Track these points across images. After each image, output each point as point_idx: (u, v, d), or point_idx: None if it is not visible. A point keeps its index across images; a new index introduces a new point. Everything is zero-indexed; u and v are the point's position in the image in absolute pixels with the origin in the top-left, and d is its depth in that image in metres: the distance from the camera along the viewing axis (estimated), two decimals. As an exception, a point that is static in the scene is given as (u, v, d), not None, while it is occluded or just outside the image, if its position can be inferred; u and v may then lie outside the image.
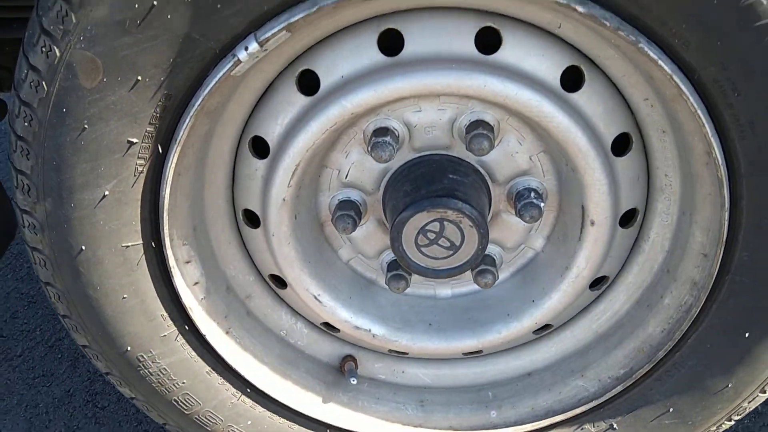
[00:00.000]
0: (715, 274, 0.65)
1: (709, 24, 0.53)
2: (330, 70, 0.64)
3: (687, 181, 0.66)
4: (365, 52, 0.63)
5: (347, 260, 0.78)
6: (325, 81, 0.64)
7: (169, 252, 0.67)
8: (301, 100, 0.65)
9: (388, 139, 0.65)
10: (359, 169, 0.70)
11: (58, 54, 0.56)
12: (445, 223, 0.65)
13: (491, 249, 0.73)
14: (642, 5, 0.53)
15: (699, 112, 0.57)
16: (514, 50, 0.62)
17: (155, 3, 0.53)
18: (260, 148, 0.70)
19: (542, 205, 0.68)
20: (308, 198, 0.71)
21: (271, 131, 0.67)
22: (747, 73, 0.55)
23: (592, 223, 0.68)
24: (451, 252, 0.67)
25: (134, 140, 0.60)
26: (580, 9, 0.54)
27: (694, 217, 0.67)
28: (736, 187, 0.61)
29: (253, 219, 0.74)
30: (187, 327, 0.73)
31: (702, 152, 0.61)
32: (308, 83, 0.65)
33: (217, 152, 0.68)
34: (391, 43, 0.63)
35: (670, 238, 0.71)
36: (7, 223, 0.92)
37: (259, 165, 0.69)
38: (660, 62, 0.55)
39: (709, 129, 0.58)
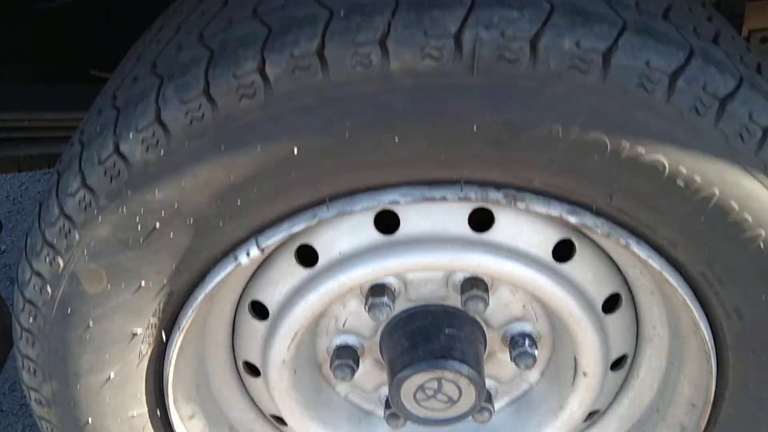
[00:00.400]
0: (704, 425, 0.68)
1: (698, 234, 0.55)
2: (328, 246, 0.65)
3: (675, 338, 0.69)
4: (362, 231, 0.64)
5: (345, 395, 0.80)
6: (324, 257, 0.65)
7: (174, 415, 0.68)
8: (300, 272, 0.67)
9: (385, 299, 0.67)
10: (356, 318, 0.71)
11: (61, 265, 0.57)
12: (443, 381, 0.68)
13: (487, 383, 0.76)
14: (635, 217, 0.55)
15: (686, 298, 0.59)
16: (506, 228, 0.63)
17: (157, 225, 0.53)
18: (260, 309, 0.70)
19: (536, 352, 0.70)
20: (306, 346, 0.73)
21: (271, 298, 0.69)
22: (731, 270, 0.57)
23: (585, 375, 0.70)
24: (449, 405, 0.69)
25: (138, 331, 0.61)
26: (572, 220, 0.55)
27: (682, 368, 0.70)
28: (722, 358, 0.63)
29: (253, 369, 0.75)
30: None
31: (690, 322, 0.64)
32: (306, 252, 0.66)
33: (218, 316, 0.70)
34: (388, 220, 0.64)
35: (659, 380, 0.74)
36: (7, 331, 0.93)
37: (259, 326, 0.70)
38: (649, 261, 0.57)
39: (696, 312, 0.60)
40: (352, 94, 0.52)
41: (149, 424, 0.69)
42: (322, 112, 0.52)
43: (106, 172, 0.56)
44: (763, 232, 0.56)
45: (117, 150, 0.56)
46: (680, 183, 0.54)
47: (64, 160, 0.63)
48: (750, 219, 0.55)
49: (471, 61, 0.49)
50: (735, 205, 0.55)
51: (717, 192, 0.54)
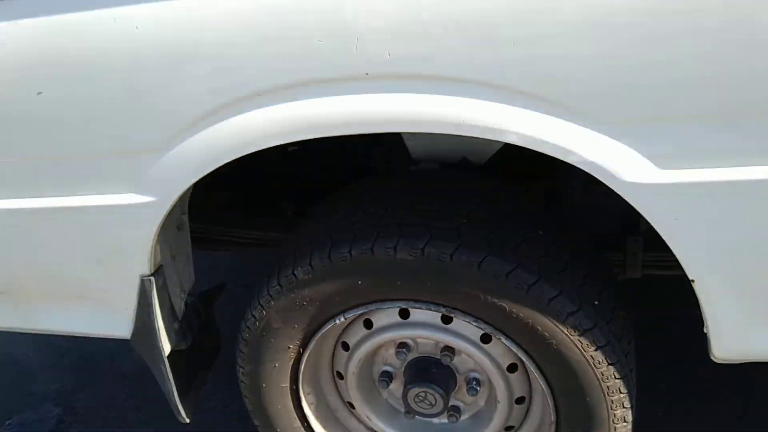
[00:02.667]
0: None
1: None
2: (377, 321, 1.35)
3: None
4: (392, 317, 1.33)
5: (385, 397, 1.49)
6: (376, 325, 1.35)
7: (301, 391, 1.44)
8: (364, 331, 1.37)
9: (404, 350, 1.36)
10: (392, 358, 1.41)
11: (264, 315, 1.33)
12: (427, 394, 1.37)
13: (456, 403, 1.44)
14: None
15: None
16: (458, 324, 1.32)
17: (305, 303, 1.29)
18: (345, 345, 1.42)
19: (479, 388, 1.37)
20: (367, 368, 1.45)
21: (350, 341, 1.38)
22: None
23: (498, 402, 1.37)
24: (431, 406, 1.38)
25: (290, 346, 1.37)
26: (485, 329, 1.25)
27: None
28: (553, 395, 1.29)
29: (340, 375, 1.46)
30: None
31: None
32: (368, 321, 1.39)
33: (326, 346, 1.43)
34: (405, 312, 1.35)
35: (542, 407, 1.38)
36: (215, 344, 1.69)
37: (345, 354, 1.41)
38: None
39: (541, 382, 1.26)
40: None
41: (289, 394, 1.44)
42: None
43: (287, 281, 1.32)
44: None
45: (293, 272, 1.31)
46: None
47: (275, 264, 1.39)
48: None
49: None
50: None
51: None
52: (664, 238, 1.02)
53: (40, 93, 1.09)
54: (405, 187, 1.34)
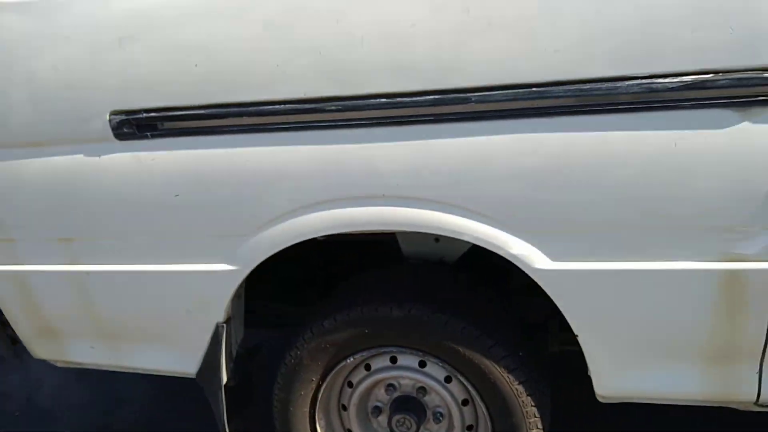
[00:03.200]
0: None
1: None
2: (372, 366, 1.97)
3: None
4: (385, 362, 1.95)
5: (376, 426, 2.06)
6: (373, 368, 1.97)
7: (316, 416, 2.01)
8: (364, 373, 1.97)
9: (392, 389, 1.96)
10: (382, 395, 2.00)
11: (294, 360, 1.94)
12: (405, 420, 1.95)
13: (425, 429, 2.01)
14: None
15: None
16: (430, 369, 1.93)
17: (303, 356, 1.90)
18: (350, 384, 2.02)
19: (442, 419, 1.96)
20: (364, 402, 2.02)
21: (354, 380, 1.99)
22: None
23: (453, 428, 1.96)
24: (409, 428, 1.96)
25: (313, 379, 1.96)
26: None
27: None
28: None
29: (344, 407, 2.05)
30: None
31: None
32: (368, 365, 1.99)
33: (336, 383, 2.03)
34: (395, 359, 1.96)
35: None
36: (249, 383, 2.28)
37: (348, 390, 2.01)
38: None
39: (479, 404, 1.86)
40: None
41: (307, 418, 2.01)
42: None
43: (318, 329, 1.93)
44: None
45: (322, 323, 1.91)
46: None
47: (308, 320, 1.99)
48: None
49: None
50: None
51: None
52: (557, 305, 1.66)
53: (177, 195, 1.75)
54: (397, 274, 1.99)
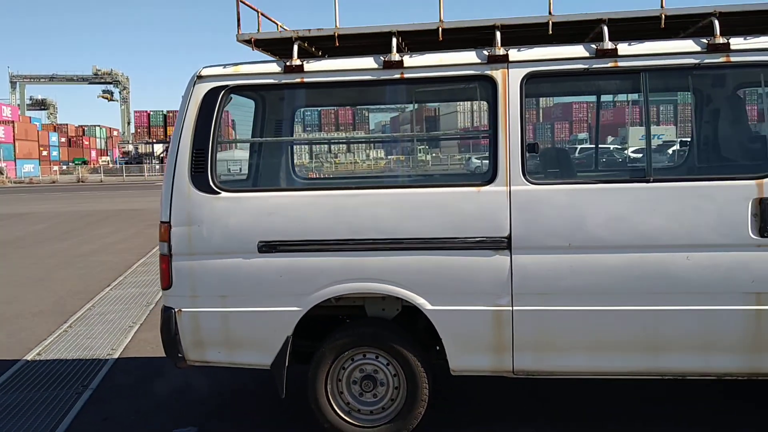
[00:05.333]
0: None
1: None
2: None
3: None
4: None
5: (353, 391, 4.42)
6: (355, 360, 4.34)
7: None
8: (352, 364, 4.35)
9: (362, 371, 4.33)
10: (357, 375, 4.37)
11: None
12: (368, 384, 4.30)
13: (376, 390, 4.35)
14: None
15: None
16: None
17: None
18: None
19: (383, 386, 4.31)
20: (349, 377, 4.38)
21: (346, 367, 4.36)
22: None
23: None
24: (369, 390, 4.30)
25: None
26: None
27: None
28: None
29: None
30: None
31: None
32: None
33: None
34: None
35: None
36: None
37: (343, 372, 4.37)
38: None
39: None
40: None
41: (323, 384, 4.33)
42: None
43: (330, 346, 4.30)
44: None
45: (326, 347, 4.30)
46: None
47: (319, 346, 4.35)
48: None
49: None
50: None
51: None
52: (435, 326, 4.12)
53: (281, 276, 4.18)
54: (366, 320, 4.42)
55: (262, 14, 4.53)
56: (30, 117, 77.42)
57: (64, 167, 72.77)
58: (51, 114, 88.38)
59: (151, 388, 5.43)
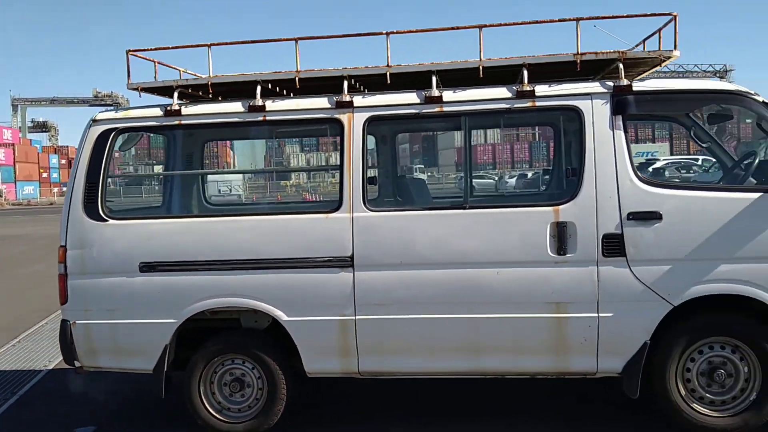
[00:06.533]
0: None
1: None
2: None
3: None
4: None
5: (224, 392, 5.06)
6: (233, 364, 4.98)
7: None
8: (226, 366, 4.99)
9: (231, 375, 4.98)
10: (228, 378, 5.01)
11: None
12: (236, 386, 4.94)
13: (244, 390, 4.99)
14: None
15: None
16: None
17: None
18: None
19: (250, 387, 4.96)
20: (220, 380, 5.03)
21: (218, 371, 5.01)
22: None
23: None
24: (238, 390, 4.95)
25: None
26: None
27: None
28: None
29: None
30: None
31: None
32: None
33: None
34: None
35: None
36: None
37: (215, 375, 5.01)
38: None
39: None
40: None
41: (197, 385, 4.96)
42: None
43: (203, 353, 4.95)
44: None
45: (199, 354, 4.95)
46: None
47: (195, 354, 5.02)
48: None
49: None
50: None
51: None
52: (291, 335, 4.77)
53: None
54: (239, 331, 5.07)
55: (158, 63, 5.21)
56: (31, 139, 78.32)
57: (64, 189, 73.71)
58: (52, 136, 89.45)
59: (69, 394, 6.08)
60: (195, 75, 5.21)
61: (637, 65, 4.79)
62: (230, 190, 36.61)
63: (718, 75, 76.37)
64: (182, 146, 6.03)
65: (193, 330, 4.89)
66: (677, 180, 5.70)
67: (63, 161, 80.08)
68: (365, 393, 5.65)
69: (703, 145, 5.49)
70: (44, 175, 72.56)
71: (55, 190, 69.39)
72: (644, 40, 4.82)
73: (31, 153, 70.71)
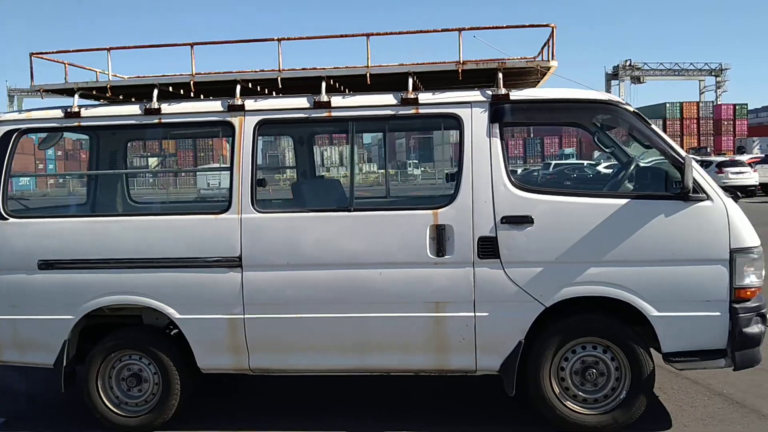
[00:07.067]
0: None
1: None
2: None
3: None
4: None
5: (122, 387, 5.21)
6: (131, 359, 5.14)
7: None
8: (126, 361, 5.15)
9: (129, 370, 5.13)
10: (125, 373, 5.16)
11: None
12: (133, 380, 5.10)
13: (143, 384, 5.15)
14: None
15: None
16: None
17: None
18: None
19: (147, 382, 5.12)
20: (118, 374, 5.18)
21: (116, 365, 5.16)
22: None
23: None
24: (135, 385, 5.10)
25: None
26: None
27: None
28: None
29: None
30: None
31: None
32: None
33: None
34: None
35: None
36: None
37: (113, 370, 5.17)
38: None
39: None
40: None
41: (95, 379, 5.12)
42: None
43: (100, 348, 5.10)
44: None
45: (97, 349, 5.11)
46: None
47: (92, 349, 5.18)
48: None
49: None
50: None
51: None
52: (184, 332, 4.92)
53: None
54: (141, 328, 5.22)
55: (69, 64, 5.35)
56: (25, 132, 78.29)
57: (60, 180, 73.79)
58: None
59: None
60: (120, 77, 5.35)
61: (521, 74, 4.92)
62: (219, 183, 36.76)
63: (713, 73, 76.43)
64: (104, 145, 6.16)
65: (100, 326, 5.01)
66: (551, 186, 5.88)
67: (59, 153, 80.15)
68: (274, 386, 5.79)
69: (607, 150, 5.62)
70: (40, 166, 72.62)
71: (51, 181, 69.45)
72: (542, 50, 4.93)
73: (27, 145, 70.49)
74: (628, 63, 76.64)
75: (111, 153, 6.29)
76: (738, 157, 31.00)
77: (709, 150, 59.80)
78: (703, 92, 78.31)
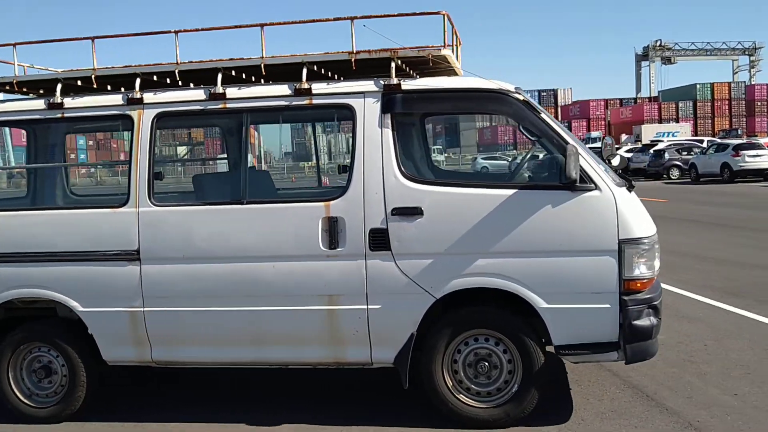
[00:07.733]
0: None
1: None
2: None
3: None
4: None
5: (33, 378, 5.28)
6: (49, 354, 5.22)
7: None
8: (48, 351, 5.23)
9: (40, 362, 5.22)
10: (36, 364, 5.24)
11: None
12: (43, 371, 5.17)
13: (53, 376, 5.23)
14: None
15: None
16: None
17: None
18: None
19: (57, 373, 5.19)
20: (29, 366, 5.26)
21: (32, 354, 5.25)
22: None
23: None
24: (45, 377, 5.18)
25: None
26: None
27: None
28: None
29: None
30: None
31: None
32: None
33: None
34: None
35: None
36: None
37: (25, 360, 5.25)
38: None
39: None
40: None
41: (6, 370, 5.21)
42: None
43: (9, 340, 5.20)
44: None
45: (6, 340, 5.19)
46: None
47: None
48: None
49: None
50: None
51: None
52: (85, 323, 4.97)
53: None
54: (47, 321, 5.28)
55: (30, 66, 5.47)
56: (58, 121, 79.75)
57: (92, 171, 75.06)
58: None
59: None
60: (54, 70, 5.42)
61: (415, 64, 4.84)
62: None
63: (747, 53, 74.54)
64: (40, 137, 6.22)
65: (16, 318, 5.09)
66: (442, 177, 5.79)
67: (90, 142, 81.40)
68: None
69: (533, 138, 5.50)
70: (72, 156, 73.91)
71: (83, 171, 70.62)
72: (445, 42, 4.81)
73: None
74: (658, 43, 75.17)
75: (50, 146, 6.33)
76: (756, 140, 30.20)
77: (740, 132, 58.38)
78: (737, 72, 76.61)
